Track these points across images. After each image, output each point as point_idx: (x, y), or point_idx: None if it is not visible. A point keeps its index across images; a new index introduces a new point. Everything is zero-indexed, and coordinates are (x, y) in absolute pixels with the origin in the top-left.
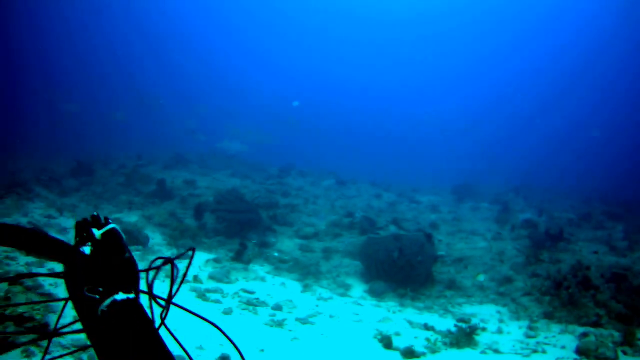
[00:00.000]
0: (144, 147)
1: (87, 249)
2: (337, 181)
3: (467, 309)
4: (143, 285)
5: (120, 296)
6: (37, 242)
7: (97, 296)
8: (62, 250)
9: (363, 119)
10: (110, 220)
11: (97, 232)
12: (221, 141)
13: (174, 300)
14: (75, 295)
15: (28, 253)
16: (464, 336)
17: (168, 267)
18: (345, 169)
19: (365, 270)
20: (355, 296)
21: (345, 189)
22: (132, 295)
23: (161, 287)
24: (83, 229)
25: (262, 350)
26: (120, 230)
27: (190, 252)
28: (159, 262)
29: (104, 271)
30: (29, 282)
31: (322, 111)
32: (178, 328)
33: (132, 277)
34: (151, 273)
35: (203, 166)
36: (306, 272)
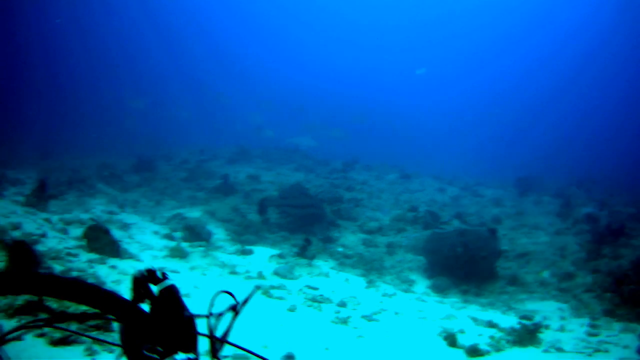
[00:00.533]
0: (207, 142)
1: (145, 306)
2: (401, 175)
3: (529, 306)
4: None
5: (181, 357)
6: (93, 296)
7: (157, 356)
8: (119, 306)
9: (424, 113)
10: (167, 275)
11: (155, 289)
12: (292, 137)
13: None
14: (131, 353)
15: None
16: (528, 334)
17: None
18: (409, 162)
19: (428, 266)
20: (418, 292)
21: (410, 182)
22: (192, 356)
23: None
24: (140, 285)
25: (327, 348)
26: (177, 288)
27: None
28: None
29: (164, 331)
30: (91, 279)
31: (385, 107)
32: (245, 327)
33: (192, 338)
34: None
35: (267, 160)
36: (370, 267)
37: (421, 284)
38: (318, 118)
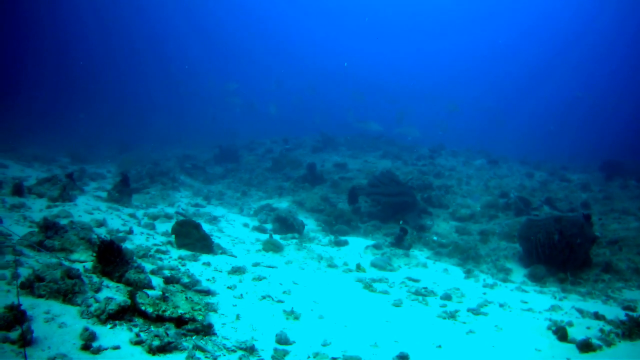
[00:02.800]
0: (290, 131)
1: None
2: (488, 160)
3: (627, 294)
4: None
5: None
6: None
7: None
8: None
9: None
10: None
11: None
12: (399, 127)
13: None
14: None
15: None
16: (637, 327)
17: None
18: (495, 147)
19: (524, 254)
20: (517, 281)
21: (497, 168)
22: None
23: None
24: None
25: (440, 346)
26: None
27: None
28: None
29: None
30: (185, 278)
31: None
32: (351, 325)
33: None
34: None
35: (352, 148)
36: (466, 256)
37: (518, 273)
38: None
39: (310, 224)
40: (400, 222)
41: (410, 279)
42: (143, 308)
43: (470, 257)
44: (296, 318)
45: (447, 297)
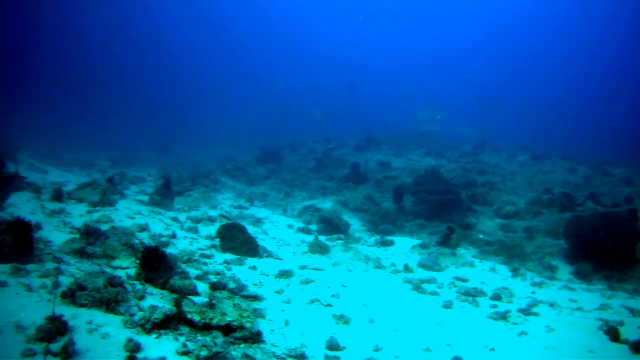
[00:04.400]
0: (330, 131)
1: None
2: (531, 156)
3: None
4: None
5: None
6: None
7: None
8: None
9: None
10: None
11: None
12: (456, 127)
13: None
14: None
15: None
16: None
17: None
18: (537, 142)
19: (569, 251)
20: (563, 279)
21: (541, 164)
22: None
23: None
24: None
25: (493, 349)
26: None
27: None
28: None
29: None
30: (231, 283)
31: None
32: (402, 329)
33: None
34: None
35: (394, 146)
36: (512, 254)
37: (564, 270)
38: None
39: (354, 223)
40: (447, 221)
41: (458, 278)
42: (189, 316)
43: (516, 255)
44: (346, 322)
45: (496, 297)
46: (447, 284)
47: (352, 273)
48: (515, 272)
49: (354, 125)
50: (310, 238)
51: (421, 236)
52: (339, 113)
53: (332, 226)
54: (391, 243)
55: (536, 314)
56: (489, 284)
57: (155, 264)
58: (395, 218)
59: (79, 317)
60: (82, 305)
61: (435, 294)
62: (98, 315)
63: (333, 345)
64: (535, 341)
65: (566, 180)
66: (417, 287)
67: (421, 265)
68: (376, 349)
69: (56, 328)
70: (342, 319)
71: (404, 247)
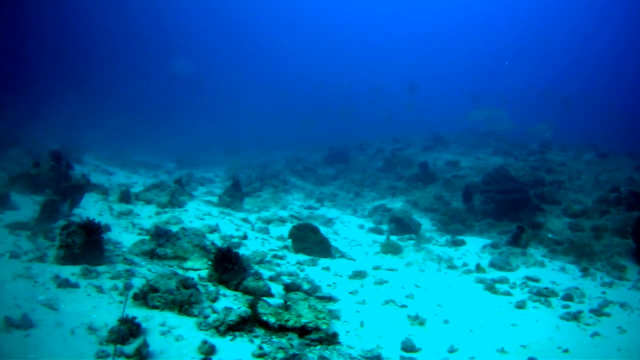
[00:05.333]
0: (396, 131)
1: None
2: (597, 154)
3: None
4: None
5: None
6: None
7: None
8: None
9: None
10: None
11: None
12: (530, 125)
13: None
14: None
15: None
16: None
17: None
18: (602, 139)
19: (637, 250)
20: (632, 279)
21: (606, 162)
22: None
23: None
24: None
25: (567, 350)
26: None
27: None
28: None
29: None
30: (305, 284)
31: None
32: (477, 329)
33: None
34: None
35: (462, 146)
36: (580, 253)
37: (633, 270)
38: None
39: (425, 223)
40: (515, 220)
41: (529, 278)
42: (265, 318)
43: (584, 255)
44: (421, 323)
45: (568, 297)
46: (519, 284)
47: (425, 273)
48: (584, 271)
49: (420, 125)
50: (381, 238)
51: (491, 235)
52: (405, 113)
53: (403, 226)
54: (462, 243)
55: (608, 315)
56: (559, 283)
57: (228, 265)
58: (465, 217)
59: (152, 319)
60: (154, 307)
61: (507, 294)
62: (171, 317)
63: (409, 347)
64: (608, 343)
65: (632, 179)
66: (490, 287)
67: (492, 265)
68: (451, 350)
69: (129, 330)
70: (417, 319)
71: (475, 246)
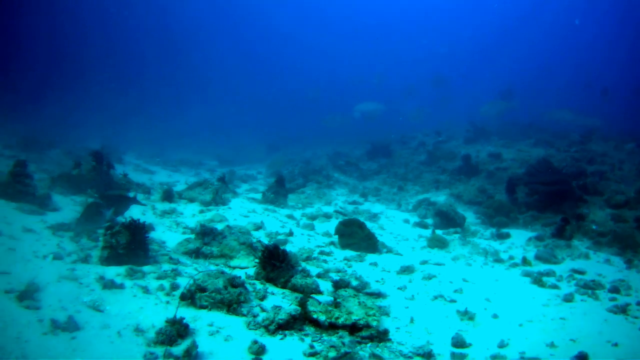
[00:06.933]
0: (439, 123)
1: None
2: (638, 144)
3: None
4: None
5: None
6: None
7: None
8: None
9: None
10: None
11: None
12: (554, 112)
13: None
14: None
15: None
16: None
17: None
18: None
19: None
20: None
21: None
22: None
23: None
24: None
25: (616, 344)
26: None
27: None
28: None
29: None
30: (353, 281)
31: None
32: (526, 323)
33: None
34: None
35: (504, 137)
36: (624, 245)
37: None
38: None
39: (469, 216)
40: (559, 212)
41: (575, 271)
42: (315, 316)
43: (628, 246)
44: (470, 318)
45: (614, 289)
46: (566, 276)
47: (472, 267)
48: (629, 263)
49: (458, 117)
50: (427, 232)
51: (535, 228)
52: (436, 106)
53: (448, 220)
54: (507, 236)
55: None
56: (605, 275)
57: (276, 263)
58: (509, 210)
59: (200, 319)
60: (202, 307)
61: (554, 287)
62: (220, 317)
63: (459, 342)
64: None
65: None
66: (537, 280)
67: (538, 257)
68: (501, 345)
69: (177, 331)
70: (467, 314)
71: (520, 239)
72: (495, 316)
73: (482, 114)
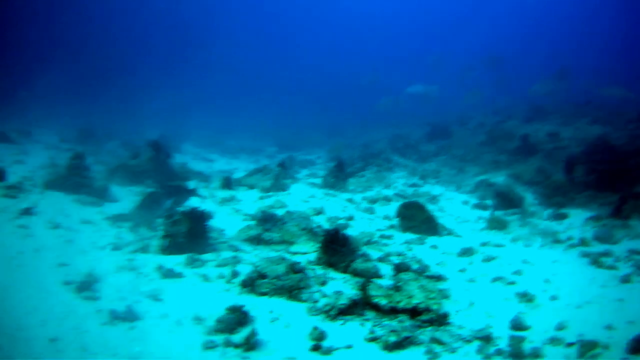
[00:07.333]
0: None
1: None
2: None
3: None
4: None
5: None
6: None
7: None
8: None
9: None
10: None
11: None
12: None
13: None
14: None
15: None
16: None
17: None
18: None
19: None
20: None
21: None
22: None
23: None
24: None
25: None
26: None
27: None
28: None
29: None
30: (414, 264)
31: None
32: (585, 305)
33: None
34: None
35: (562, 116)
36: None
37: None
38: None
39: (528, 197)
40: (617, 191)
41: (633, 251)
42: (376, 300)
43: None
44: (529, 300)
45: None
46: (623, 257)
47: (531, 248)
48: None
49: (515, 97)
50: (486, 214)
51: (593, 208)
52: (499, 86)
53: (507, 201)
54: (565, 216)
55: None
56: None
57: (337, 248)
58: (567, 190)
59: (260, 307)
60: (262, 294)
61: (612, 267)
62: (280, 304)
63: (518, 325)
64: None
65: None
66: (595, 261)
67: (596, 238)
68: (560, 328)
69: (237, 318)
70: (526, 296)
71: (578, 219)
72: (553, 298)
73: (533, 93)
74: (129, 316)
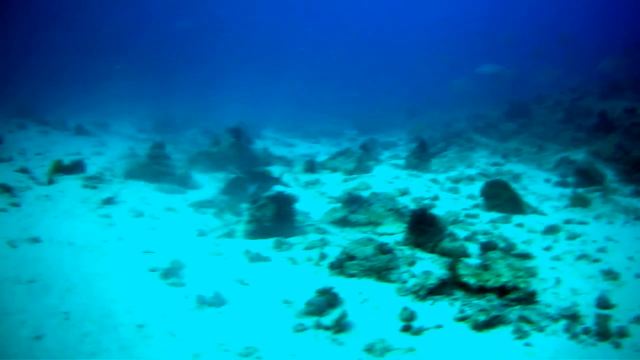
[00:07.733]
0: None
1: None
2: None
3: None
4: None
5: None
6: None
7: None
8: None
9: None
10: None
11: None
12: None
13: None
14: None
15: None
16: None
17: None
18: None
19: None
20: None
21: None
22: None
23: None
24: None
25: None
26: None
27: None
28: None
29: None
30: (500, 242)
31: None
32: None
33: None
34: None
35: (637, 92)
36: None
37: None
38: None
39: (608, 174)
40: None
41: None
42: (465, 279)
43: None
44: (614, 278)
45: None
46: None
47: (614, 225)
48: None
49: (589, 74)
50: (567, 191)
51: None
52: (572, 63)
53: (588, 178)
54: None
55: None
56: None
57: (424, 228)
58: None
59: (349, 288)
60: (351, 276)
61: None
62: (369, 285)
63: (603, 303)
64: None
65: None
66: None
67: None
68: None
69: (327, 301)
70: (611, 274)
71: None
72: (638, 275)
73: (600, 69)
74: (216, 301)
